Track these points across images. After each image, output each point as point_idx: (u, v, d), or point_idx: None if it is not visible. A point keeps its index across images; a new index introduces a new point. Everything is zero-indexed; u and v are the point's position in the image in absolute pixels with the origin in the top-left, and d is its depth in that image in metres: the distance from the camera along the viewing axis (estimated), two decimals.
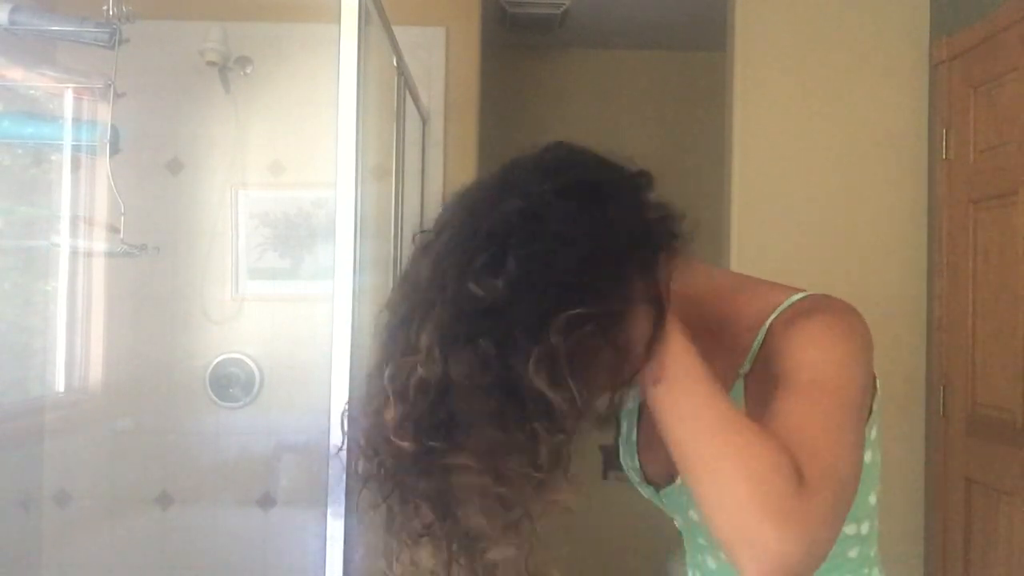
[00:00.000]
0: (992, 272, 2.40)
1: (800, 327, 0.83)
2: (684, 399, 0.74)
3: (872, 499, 0.94)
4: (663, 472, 0.98)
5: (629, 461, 1.04)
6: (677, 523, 1.03)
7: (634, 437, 1.03)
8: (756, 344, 0.89)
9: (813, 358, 0.80)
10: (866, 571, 0.95)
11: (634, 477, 1.04)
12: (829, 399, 0.77)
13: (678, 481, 0.94)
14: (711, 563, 0.98)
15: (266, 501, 2.75)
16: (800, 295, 0.90)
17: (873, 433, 0.90)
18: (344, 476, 1.49)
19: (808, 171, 2.81)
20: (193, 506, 2.74)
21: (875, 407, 0.90)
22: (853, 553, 0.93)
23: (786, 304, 0.89)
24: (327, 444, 1.50)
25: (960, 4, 2.63)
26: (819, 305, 0.87)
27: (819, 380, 0.78)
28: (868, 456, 0.90)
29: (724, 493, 0.70)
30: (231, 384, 2.75)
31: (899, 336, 2.69)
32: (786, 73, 2.82)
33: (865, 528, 0.93)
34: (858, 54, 2.81)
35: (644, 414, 1.03)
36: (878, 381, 0.90)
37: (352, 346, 1.53)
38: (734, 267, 2.79)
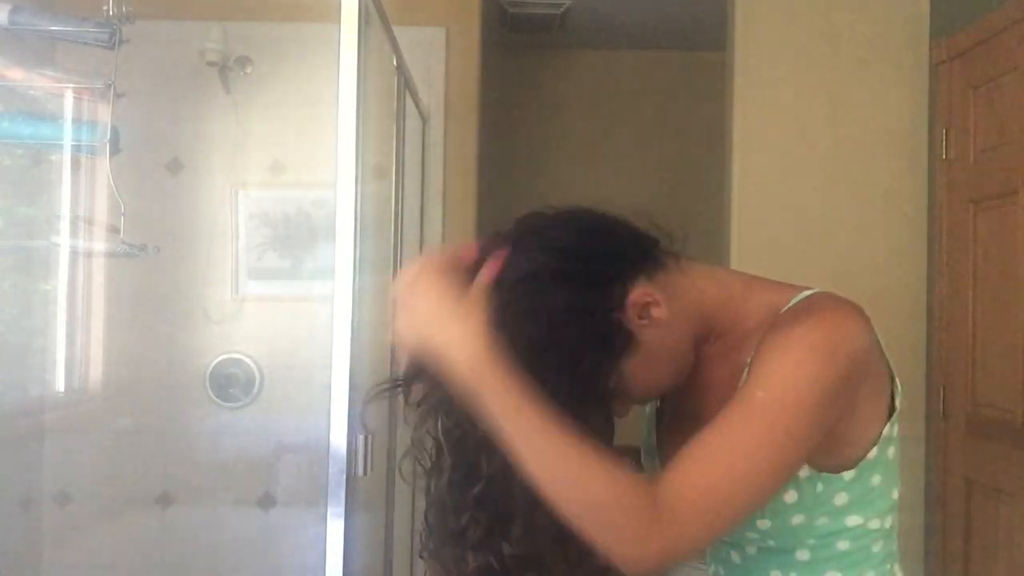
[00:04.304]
0: (992, 272, 2.40)
1: (781, 332, 0.84)
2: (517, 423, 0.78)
3: (895, 494, 0.95)
4: None
5: (650, 464, 1.04)
6: None
7: (653, 441, 1.04)
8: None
9: (771, 373, 0.82)
10: (888, 566, 0.96)
11: None
12: (761, 422, 0.80)
13: None
14: (735, 558, 0.98)
15: (266, 501, 2.75)
16: (807, 293, 0.91)
17: (895, 430, 0.92)
18: (344, 476, 1.49)
19: (808, 171, 2.81)
20: (193, 506, 2.74)
21: (898, 404, 0.92)
22: (877, 548, 0.94)
23: (792, 303, 0.90)
24: (327, 444, 1.51)
25: (960, 4, 2.63)
26: (813, 309, 0.87)
27: (764, 401, 0.80)
28: (891, 452, 0.92)
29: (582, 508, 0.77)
30: (231, 384, 2.75)
31: (899, 336, 2.67)
32: (786, 73, 2.82)
33: (888, 523, 0.95)
34: (858, 54, 2.81)
35: (663, 418, 1.03)
36: (896, 377, 0.92)
37: (352, 346, 1.53)
38: (734, 266, 2.79)
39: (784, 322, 0.86)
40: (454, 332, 0.79)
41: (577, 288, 0.83)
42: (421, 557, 0.91)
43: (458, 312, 0.79)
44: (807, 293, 0.91)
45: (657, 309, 0.87)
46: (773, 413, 0.80)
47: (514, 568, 0.82)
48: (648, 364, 0.87)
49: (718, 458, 0.79)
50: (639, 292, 0.86)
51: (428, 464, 0.86)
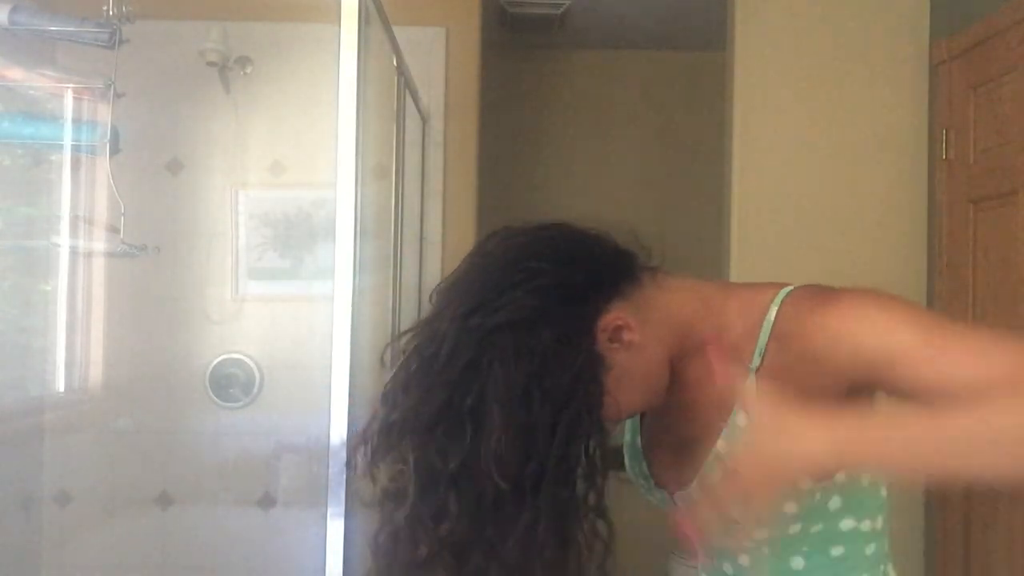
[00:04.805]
0: (992, 272, 2.40)
1: (841, 316, 0.83)
2: (899, 453, 0.74)
3: (883, 492, 0.95)
4: (674, 476, 0.98)
5: (636, 467, 1.03)
6: None
7: (639, 443, 1.03)
8: (762, 341, 0.89)
9: (892, 334, 0.81)
10: (882, 568, 0.96)
11: (643, 484, 1.03)
12: (942, 338, 0.79)
13: (695, 484, 0.94)
14: (727, 568, 0.98)
15: (266, 501, 2.75)
16: (788, 289, 0.90)
17: None
18: (344, 476, 1.49)
19: (808, 171, 2.81)
20: (193, 506, 2.74)
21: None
22: (870, 550, 0.94)
23: (779, 298, 0.89)
24: (327, 444, 1.50)
25: (960, 4, 2.63)
26: (823, 292, 0.87)
27: (920, 338, 0.80)
28: None
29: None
30: (231, 384, 2.75)
31: None
32: (786, 73, 2.82)
33: (879, 523, 0.95)
34: (858, 54, 2.81)
35: (646, 418, 1.03)
36: None
37: (352, 346, 1.53)
38: (734, 267, 2.79)
39: (816, 309, 0.85)
40: (803, 441, 0.74)
41: (562, 324, 0.82)
42: None
43: (785, 425, 0.75)
44: (788, 289, 0.90)
45: (629, 333, 0.86)
46: (928, 331, 0.81)
47: None
48: (619, 386, 0.85)
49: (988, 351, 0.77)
50: (611, 316, 0.85)
51: (387, 487, 0.85)
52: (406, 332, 0.87)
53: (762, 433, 0.77)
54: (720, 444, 0.91)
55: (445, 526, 0.79)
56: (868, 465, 0.76)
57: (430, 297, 0.88)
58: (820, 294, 0.87)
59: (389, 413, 0.83)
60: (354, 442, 0.88)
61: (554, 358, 0.80)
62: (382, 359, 0.90)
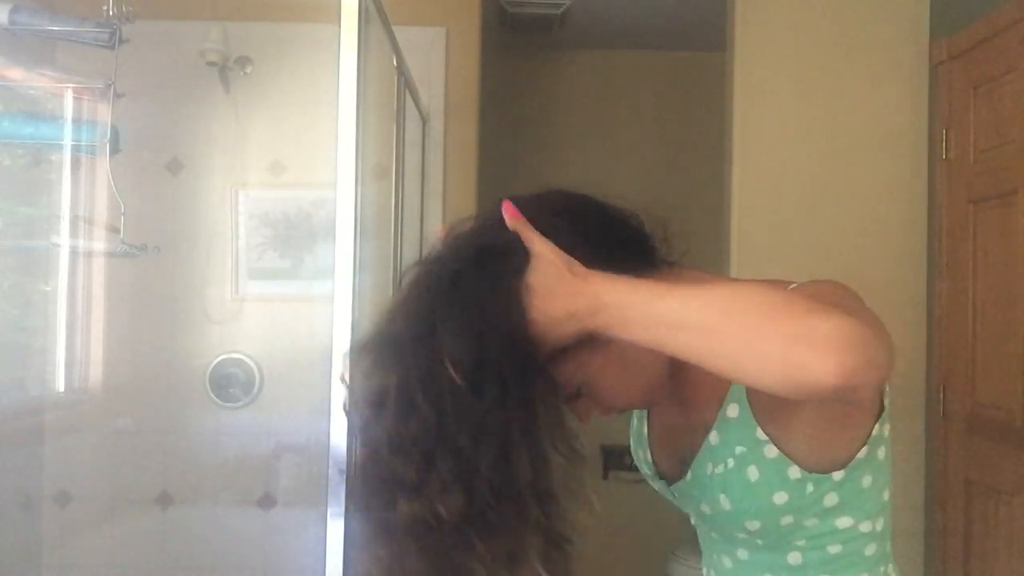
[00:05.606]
0: (992, 272, 2.40)
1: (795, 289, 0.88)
2: (650, 318, 0.75)
3: (886, 495, 0.95)
4: (675, 467, 0.99)
5: (641, 454, 1.05)
6: (692, 520, 1.03)
7: (645, 430, 1.04)
8: None
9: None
10: (882, 568, 0.96)
11: (646, 470, 1.05)
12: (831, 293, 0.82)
13: (689, 476, 0.95)
14: (727, 562, 0.98)
15: (266, 501, 2.75)
16: (793, 285, 0.91)
17: (886, 430, 0.93)
18: (344, 476, 1.49)
19: (808, 171, 2.81)
20: (193, 506, 2.74)
21: (886, 403, 0.92)
22: (870, 550, 0.94)
23: None
24: (327, 444, 1.51)
25: (960, 4, 2.63)
26: (813, 282, 0.90)
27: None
28: (882, 452, 0.93)
29: (756, 339, 0.71)
30: (231, 384, 2.75)
31: (899, 336, 2.67)
32: (786, 73, 2.82)
33: (880, 525, 0.95)
34: (858, 54, 2.81)
35: (654, 408, 1.03)
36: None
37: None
38: (734, 266, 2.79)
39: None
40: (585, 294, 0.77)
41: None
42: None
43: (568, 279, 0.78)
44: (793, 286, 0.91)
45: None
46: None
47: (447, 515, 0.75)
48: (616, 370, 0.86)
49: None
50: None
51: (368, 398, 0.81)
52: (414, 265, 0.86)
53: (542, 266, 0.79)
54: (712, 436, 0.92)
55: (414, 424, 0.76)
56: (619, 328, 0.76)
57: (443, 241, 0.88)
58: (801, 285, 0.89)
59: (384, 330, 0.82)
60: (351, 356, 0.86)
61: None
62: (395, 288, 0.90)
